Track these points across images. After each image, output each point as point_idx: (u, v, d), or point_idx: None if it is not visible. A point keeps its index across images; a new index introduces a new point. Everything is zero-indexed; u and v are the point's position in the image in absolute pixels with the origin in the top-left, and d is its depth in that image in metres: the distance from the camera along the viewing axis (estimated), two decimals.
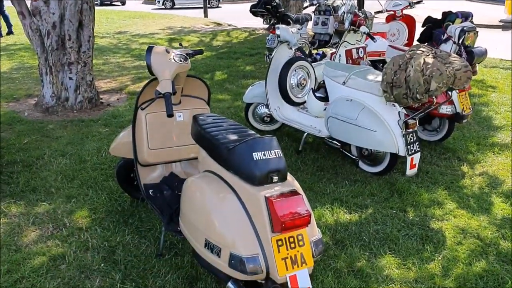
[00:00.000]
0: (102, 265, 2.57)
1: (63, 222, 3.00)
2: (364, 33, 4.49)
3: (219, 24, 13.96)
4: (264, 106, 4.49)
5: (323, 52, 5.76)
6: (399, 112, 3.54)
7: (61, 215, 3.08)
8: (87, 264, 2.58)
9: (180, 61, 2.56)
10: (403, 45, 6.11)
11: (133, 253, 2.68)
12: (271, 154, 2.00)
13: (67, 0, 4.84)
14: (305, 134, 4.09)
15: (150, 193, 2.74)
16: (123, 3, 24.59)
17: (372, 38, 4.53)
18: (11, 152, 4.05)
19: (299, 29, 4.59)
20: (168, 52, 2.57)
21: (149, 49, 2.54)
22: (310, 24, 5.56)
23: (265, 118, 4.55)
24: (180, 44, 2.97)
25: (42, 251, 2.68)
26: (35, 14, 4.97)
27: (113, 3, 24.14)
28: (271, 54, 7.29)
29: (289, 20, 5.62)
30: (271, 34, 7.29)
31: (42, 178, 3.59)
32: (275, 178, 1.97)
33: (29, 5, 5.01)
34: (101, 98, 5.62)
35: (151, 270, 2.53)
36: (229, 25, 13.95)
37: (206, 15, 15.93)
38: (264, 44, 9.15)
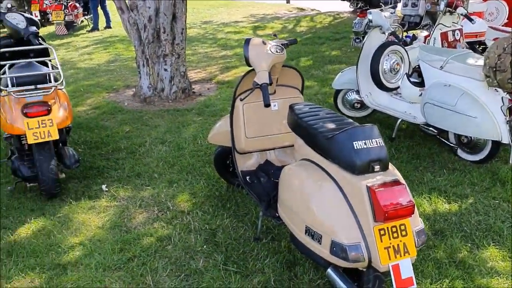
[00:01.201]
0: (204, 246, 2.73)
1: (167, 206, 3.21)
2: (462, 14, 4.27)
3: (302, 10, 13.86)
4: (355, 92, 4.43)
5: (413, 34, 5.56)
6: (502, 97, 3.35)
7: (164, 199, 3.29)
8: (191, 245, 2.75)
9: (277, 52, 2.61)
10: (502, 25, 5.71)
11: (233, 236, 2.80)
12: (372, 143, 2.00)
13: None
14: (399, 120, 3.99)
15: (247, 179, 2.85)
16: None
17: (470, 20, 4.29)
18: (115, 140, 4.37)
19: (392, 13, 4.45)
20: (264, 43, 2.63)
21: (247, 42, 2.62)
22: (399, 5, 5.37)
23: (355, 105, 4.50)
24: (275, 35, 3.02)
25: (149, 232, 2.89)
26: (132, 9, 5.28)
27: None
28: (358, 38, 7.19)
29: (379, 3, 5.47)
30: (358, 17, 7.16)
31: (145, 164, 3.85)
32: (377, 168, 1.97)
33: (127, 1, 5.33)
34: (193, 88, 5.86)
35: (250, 253, 2.65)
36: (312, 9, 13.80)
37: (288, 1, 15.88)
38: (349, 28, 8.97)
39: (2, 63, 3.23)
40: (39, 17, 11.68)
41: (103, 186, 3.50)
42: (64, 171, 3.52)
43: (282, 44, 2.72)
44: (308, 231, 2.07)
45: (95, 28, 11.03)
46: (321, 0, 14.84)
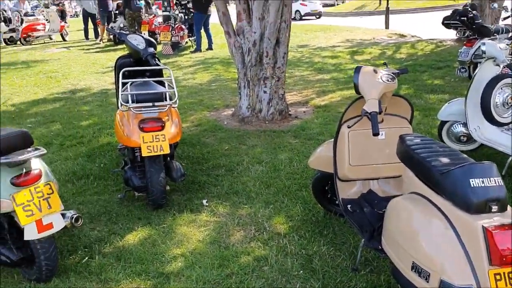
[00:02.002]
0: (301, 271, 2.73)
1: (264, 226, 3.26)
2: None
3: (402, 36, 13.58)
4: (461, 125, 4.23)
5: None
6: None
7: (261, 219, 3.36)
8: (287, 268, 2.76)
9: (388, 81, 2.59)
10: None
11: (330, 264, 2.78)
12: (490, 181, 1.90)
13: (268, 20, 5.25)
14: (510, 158, 3.75)
15: (349, 208, 2.82)
16: (319, 17, 25.48)
17: None
18: (215, 157, 4.54)
19: (508, 44, 4.22)
20: (375, 72, 2.62)
21: (357, 69, 2.62)
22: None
23: (462, 138, 4.29)
24: (385, 64, 3.00)
25: (247, 251, 2.96)
26: (239, 34, 5.51)
27: (309, 18, 25.10)
28: (463, 68, 6.88)
29: (490, 32, 5.21)
30: (464, 46, 6.85)
31: (243, 183, 3.96)
32: (494, 208, 1.87)
33: (234, 26, 5.57)
34: (290, 110, 5.94)
35: (348, 283, 2.60)
36: (413, 36, 13.47)
37: (387, 26, 15.64)
38: (453, 56, 8.64)
39: (125, 81, 3.52)
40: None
41: (204, 201, 3.65)
42: (169, 183, 3.72)
43: (393, 73, 2.69)
44: (415, 268, 2.00)
45: (198, 49, 11.63)
46: (422, 26, 14.44)
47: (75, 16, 27.60)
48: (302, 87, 7.52)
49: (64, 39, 15.45)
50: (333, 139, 2.90)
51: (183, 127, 5.50)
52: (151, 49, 3.89)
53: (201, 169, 4.25)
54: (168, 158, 3.61)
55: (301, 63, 9.79)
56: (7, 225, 2.67)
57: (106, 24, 13.94)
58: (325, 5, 33.26)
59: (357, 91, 2.60)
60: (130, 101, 3.38)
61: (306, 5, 25.20)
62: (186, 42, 12.38)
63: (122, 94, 3.43)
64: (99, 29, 14.42)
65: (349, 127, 2.75)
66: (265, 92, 5.58)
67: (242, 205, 3.58)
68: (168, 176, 3.57)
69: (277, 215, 3.40)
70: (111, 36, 13.75)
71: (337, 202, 2.94)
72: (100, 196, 3.82)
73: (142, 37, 4.05)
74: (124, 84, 3.53)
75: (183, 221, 3.37)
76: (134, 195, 3.71)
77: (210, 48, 11.80)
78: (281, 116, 5.70)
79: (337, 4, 35.33)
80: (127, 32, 4.22)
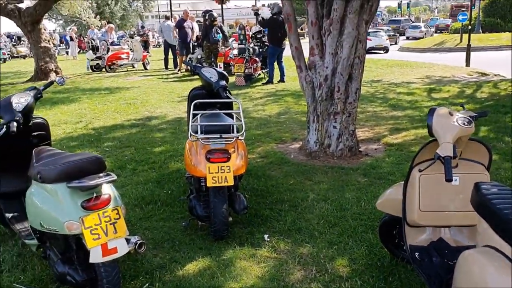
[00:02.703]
0: None
1: (325, 267, 3.14)
2: None
3: (483, 74, 12.97)
4: None
5: None
6: None
7: (323, 260, 3.24)
8: None
9: (464, 124, 2.45)
10: None
11: None
12: None
13: (341, 56, 5.21)
14: None
15: (416, 255, 2.65)
16: (386, 51, 25.17)
17: None
18: (279, 191, 4.50)
19: None
20: (451, 114, 2.49)
21: (432, 111, 2.51)
22: None
23: None
24: (462, 106, 2.85)
25: None
26: (310, 68, 5.51)
27: (377, 51, 24.87)
28: None
29: None
30: None
31: (306, 220, 3.87)
32: None
33: (306, 60, 5.59)
34: (360, 147, 5.80)
35: None
36: (496, 75, 12.82)
37: (468, 64, 15.03)
38: None
39: (195, 112, 3.62)
40: (222, 68, 12.98)
41: (265, 236, 3.60)
42: (232, 215, 3.72)
43: (470, 116, 2.54)
44: None
45: (270, 81, 11.80)
46: (506, 65, 13.73)
47: (157, 46, 29.13)
48: (374, 123, 7.34)
49: (145, 68, 16.32)
50: (403, 181, 2.77)
51: (249, 158, 5.53)
52: (223, 82, 3.98)
53: (264, 203, 4.22)
54: (232, 190, 3.62)
55: (374, 98, 9.60)
56: (75, 246, 2.78)
57: (184, 55, 14.57)
58: (410, 38, 32.77)
59: (431, 133, 2.48)
60: (199, 132, 3.45)
61: (371, 40, 24.86)
62: (259, 74, 12.61)
63: (192, 125, 3.52)
64: (178, 60, 15.08)
65: (420, 170, 2.61)
66: (334, 127, 5.49)
67: (304, 244, 3.49)
68: (231, 207, 3.58)
69: (340, 257, 3.28)
70: (188, 67, 14.32)
71: (404, 248, 2.79)
72: (165, 223, 3.89)
73: (216, 70, 4.17)
74: (194, 115, 3.62)
75: (243, 254, 3.34)
76: (197, 224, 3.74)
77: (282, 80, 11.93)
78: (350, 153, 5.57)
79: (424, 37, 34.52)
80: (202, 65, 4.36)
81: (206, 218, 3.50)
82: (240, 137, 3.54)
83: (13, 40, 31.46)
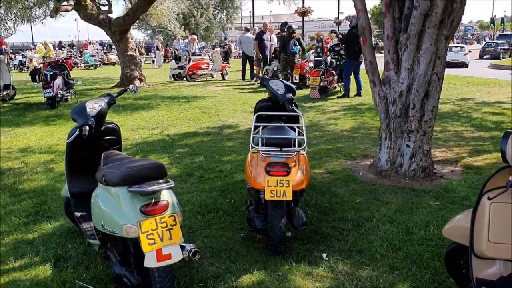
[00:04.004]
0: None
1: None
2: None
3: None
4: None
5: None
6: None
7: (383, 285, 3.07)
8: None
9: None
10: None
11: None
12: None
13: (418, 72, 4.98)
14: None
15: None
16: (466, 66, 23.86)
17: None
18: (344, 209, 4.35)
19: None
20: None
21: (507, 135, 2.29)
22: None
23: None
24: None
25: None
26: (385, 83, 5.32)
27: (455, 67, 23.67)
28: None
29: None
30: None
31: (369, 242, 3.70)
32: None
33: (381, 75, 5.41)
34: (435, 168, 5.48)
35: None
36: None
37: None
38: None
39: (257, 124, 3.61)
40: (297, 80, 12.96)
41: (324, 255, 3.48)
42: (292, 230, 3.65)
43: None
44: None
45: (346, 95, 11.59)
46: None
47: (238, 57, 29.77)
48: (454, 143, 6.92)
49: (223, 78, 16.72)
50: (472, 208, 2.56)
51: (316, 173, 5.43)
52: (289, 95, 3.95)
53: (326, 220, 4.10)
54: (292, 204, 3.55)
55: (457, 117, 9.07)
56: (133, 250, 2.86)
57: (261, 66, 14.74)
58: (493, 57, 30.76)
59: (504, 159, 2.27)
60: (259, 144, 3.44)
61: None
62: (335, 87, 12.43)
63: (253, 137, 3.51)
64: (255, 71, 15.29)
65: (490, 198, 2.39)
66: (408, 146, 5.24)
67: (364, 266, 3.33)
68: (290, 222, 3.52)
69: (401, 283, 3.09)
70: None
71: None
72: (225, 232, 3.90)
73: (283, 82, 4.15)
74: (256, 127, 3.61)
75: (299, 272, 3.25)
76: (255, 236, 3.71)
77: (358, 94, 11.67)
78: (423, 174, 5.28)
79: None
80: (269, 78, 4.36)
81: (263, 231, 3.46)
82: (301, 151, 3.47)
83: (105, 47, 33.67)
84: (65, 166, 3.59)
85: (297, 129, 3.73)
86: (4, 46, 19.51)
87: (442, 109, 9.81)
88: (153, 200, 2.74)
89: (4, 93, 11.69)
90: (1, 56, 12.55)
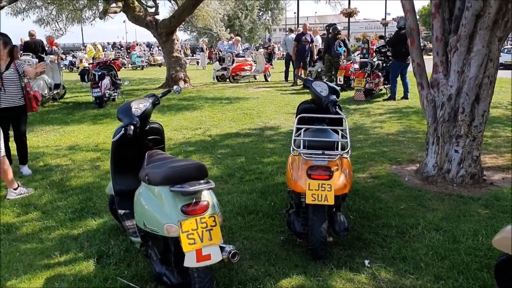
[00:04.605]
0: None
1: None
2: None
3: None
4: None
5: None
6: None
7: None
8: None
9: None
10: None
11: None
12: None
13: (468, 74, 4.78)
14: None
15: None
16: None
17: None
18: (387, 215, 4.23)
19: None
20: None
21: None
22: None
23: None
24: None
25: None
26: (433, 86, 5.14)
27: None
28: None
29: None
30: None
31: (413, 250, 3.57)
32: None
33: (429, 77, 5.23)
34: (484, 175, 5.25)
35: None
36: None
37: None
38: None
39: (299, 126, 3.56)
40: (342, 82, 12.77)
41: (366, 261, 3.39)
42: (332, 235, 3.57)
43: None
44: None
45: (392, 97, 11.33)
46: None
47: (282, 58, 29.74)
48: (505, 150, 6.61)
49: (266, 80, 16.72)
50: None
51: (359, 177, 5.31)
52: (333, 97, 3.88)
53: (369, 226, 4.00)
54: (334, 209, 3.48)
55: (509, 122, 8.67)
56: (173, 249, 2.87)
57: (300, 68, 14.65)
58: None
59: None
60: (301, 146, 3.39)
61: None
62: (380, 90, 12.17)
63: (295, 139, 3.47)
64: (298, 72, 15.20)
65: None
66: (456, 151, 5.04)
67: (408, 275, 3.22)
68: (331, 227, 3.45)
69: None
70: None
71: None
72: (265, 235, 3.88)
73: (327, 84, 4.08)
74: (298, 129, 3.57)
75: (339, 278, 3.18)
76: (295, 240, 3.67)
77: (405, 97, 11.38)
78: (472, 180, 5.06)
79: None
80: (313, 80, 4.29)
81: (303, 235, 3.41)
82: (344, 155, 3.40)
83: (151, 49, 34.41)
84: (110, 165, 3.67)
85: (340, 132, 3.65)
86: (55, 47, 20.30)
87: (493, 114, 9.40)
88: (194, 200, 2.75)
89: (55, 92, 12.14)
90: (52, 56, 13.06)
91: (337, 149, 3.38)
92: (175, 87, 4.10)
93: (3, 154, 4.84)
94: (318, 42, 15.75)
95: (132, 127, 3.29)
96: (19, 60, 5.72)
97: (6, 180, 4.86)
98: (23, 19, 14.45)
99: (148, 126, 3.63)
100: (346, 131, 3.48)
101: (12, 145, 5.79)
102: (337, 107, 3.86)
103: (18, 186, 4.95)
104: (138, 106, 3.48)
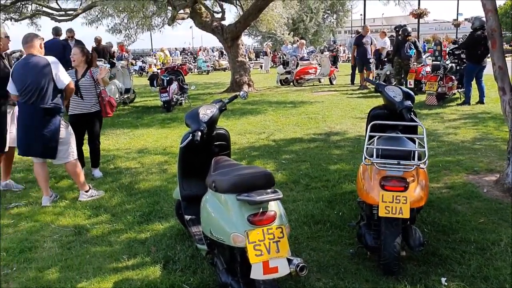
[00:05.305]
0: None
1: None
2: None
3: None
4: None
5: None
6: None
7: None
8: None
9: None
10: None
11: None
12: None
13: None
14: None
15: None
16: None
17: None
18: (465, 229, 3.93)
19: None
20: None
21: None
22: None
23: None
24: None
25: None
26: None
27: None
28: None
29: None
30: None
31: (496, 268, 3.28)
32: None
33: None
34: None
35: None
36: None
37: None
38: None
39: (372, 134, 3.38)
40: (412, 86, 12.26)
41: (443, 279, 3.15)
42: (406, 249, 3.36)
43: None
44: None
45: (466, 102, 10.71)
46: None
47: (347, 61, 29.24)
48: None
49: (331, 83, 16.43)
50: None
51: (433, 188, 5.00)
52: (408, 103, 3.66)
53: (445, 241, 3.73)
54: (408, 222, 3.27)
55: None
56: (239, 259, 2.80)
57: (363, 72, 14.25)
58: None
59: None
60: (374, 155, 3.21)
61: None
62: (454, 94, 11.55)
63: (367, 147, 3.29)
64: (365, 75, 14.81)
65: None
66: None
67: None
68: (405, 241, 3.24)
69: None
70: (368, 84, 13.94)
71: None
72: (333, 246, 3.73)
73: (401, 89, 3.86)
74: (371, 137, 3.39)
75: None
76: (366, 254, 3.49)
77: (481, 101, 10.71)
78: None
79: None
80: (386, 84, 4.09)
81: (375, 249, 3.23)
82: (421, 165, 3.17)
83: (216, 53, 34.95)
84: (178, 170, 3.68)
85: (417, 141, 3.43)
86: (125, 53, 21.16)
87: None
88: (261, 210, 2.66)
89: (125, 96, 12.60)
90: (123, 62, 13.56)
91: (413, 159, 3.17)
92: (241, 92, 4.05)
93: (75, 157, 5.03)
94: (386, 44, 15.25)
95: (199, 133, 3.27)
96: (95, 67, 5.93)
97: (78, 182, 5.04)
98: (97, 27, 15.23)
99: (215, 132, 3.60)
100: (423, 140, 3.25)
101: (86, 148, 6.01)
102: (412, 113, 3.64)
103: (90, 188, 5.12)
104: (206, 112, 3.46)
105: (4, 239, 4.12)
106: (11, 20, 14.97)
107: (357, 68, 14.73)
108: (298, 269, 2.63)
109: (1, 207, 4.91)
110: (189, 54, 34.99)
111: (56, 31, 10.71)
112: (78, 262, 3.62)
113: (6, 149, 5.28)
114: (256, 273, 2.57)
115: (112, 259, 3.66)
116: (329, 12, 40.63)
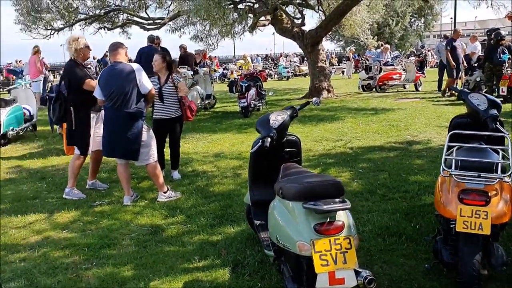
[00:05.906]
0: None
1: None
2: None
3: None
4: None
5: None
6: None
7: None
8: None
9: None
10: None
11: None
12: None
13: None
14: None
15: None
16: None
17: None
18: None
19: None
20: None
21: None
22: None
23: None
24: None
25: None
26: None
27: None
28: None
29: None
30: None
31: None
32: None
33: None
34: None
35: None
36: None
37: None
38: None
39: (451, 144, 3.19)
40: (505, 93, 11.44)
41: None
42: (487, 268, 3.12)
43: None
44: None
45: None
46: None
47: (435, 66, 27.96)
48: None
49: (416, 89, 15.74)
50: None
51: None
52: (493, 111, 3.41)
53: None
54: (490, 239, 3.03)
55: None
56: (305, 267, 2.76)
57: (455, 78, 13.46)
58: None
59: None
60: (453, 167, 3.01)
61: None
62: None
63: (446, 158, 3.11)
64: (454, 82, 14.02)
65: None
66: None
67: None
68: (486, 260, 3.00)
69: None
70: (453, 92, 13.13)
71: None
72: (407, 260, 3.56)
73: (486, 96, 3.60)
74: (450, 147, 3.19)
75: None
76: (442, 270, 3.28)
77: None
78: None
79: None
80: (469, 91, 3.83)
81: (451, 265, 3.03)
82: (506, 179, 2.93)
83: (295, 58, 34.95)
84: (249, 175, 3.72)
85: (501, 152, 3.18)
86: (207, 60, 21.83)
87: None
88: (328, 219, 2.61)
89: (206, 102, 12.98)
90: (205, 69, 13.97)
91: (496, 172, 2.94)
92: (314, 99, 4.01)
93: (156, 159, 5.25)
94: (477, 49, 14.36)
95: (269, 139, 3.29)
96: (176, 74, 6.17)
97: (157, 183, 5.26)
98: (180, 35, 15.88)
99: (285, 138, 3.59)
100: (508, 152, 3.00)
101: (166, 151, 6.26)
102: (497, 123, 3.38)
103: (168, 189, 5.32)
104: (276, 118, 3.47)
105: (86, 235, 4.40)
106: (104, 29, 16.04)
107: (447, 73, 13.91)
108: (366, 281, 2.54)
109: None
110: (270, 60, 35.35)
111: (152, 39, 11.32)
112: (152, 261, 3.76)
113: (89, 152, 5.64)
114: (322, 283, 2.52)
115: (184, 260, 3.76)
116: (416, 16, 39.08)
